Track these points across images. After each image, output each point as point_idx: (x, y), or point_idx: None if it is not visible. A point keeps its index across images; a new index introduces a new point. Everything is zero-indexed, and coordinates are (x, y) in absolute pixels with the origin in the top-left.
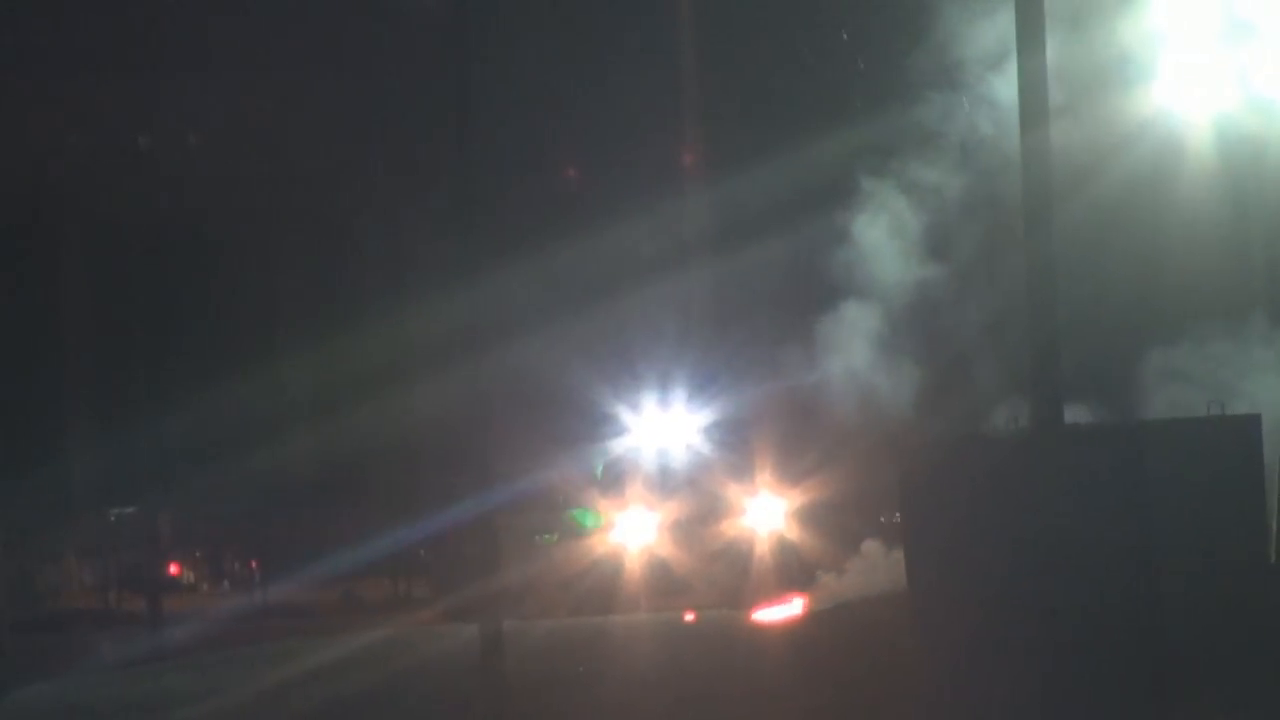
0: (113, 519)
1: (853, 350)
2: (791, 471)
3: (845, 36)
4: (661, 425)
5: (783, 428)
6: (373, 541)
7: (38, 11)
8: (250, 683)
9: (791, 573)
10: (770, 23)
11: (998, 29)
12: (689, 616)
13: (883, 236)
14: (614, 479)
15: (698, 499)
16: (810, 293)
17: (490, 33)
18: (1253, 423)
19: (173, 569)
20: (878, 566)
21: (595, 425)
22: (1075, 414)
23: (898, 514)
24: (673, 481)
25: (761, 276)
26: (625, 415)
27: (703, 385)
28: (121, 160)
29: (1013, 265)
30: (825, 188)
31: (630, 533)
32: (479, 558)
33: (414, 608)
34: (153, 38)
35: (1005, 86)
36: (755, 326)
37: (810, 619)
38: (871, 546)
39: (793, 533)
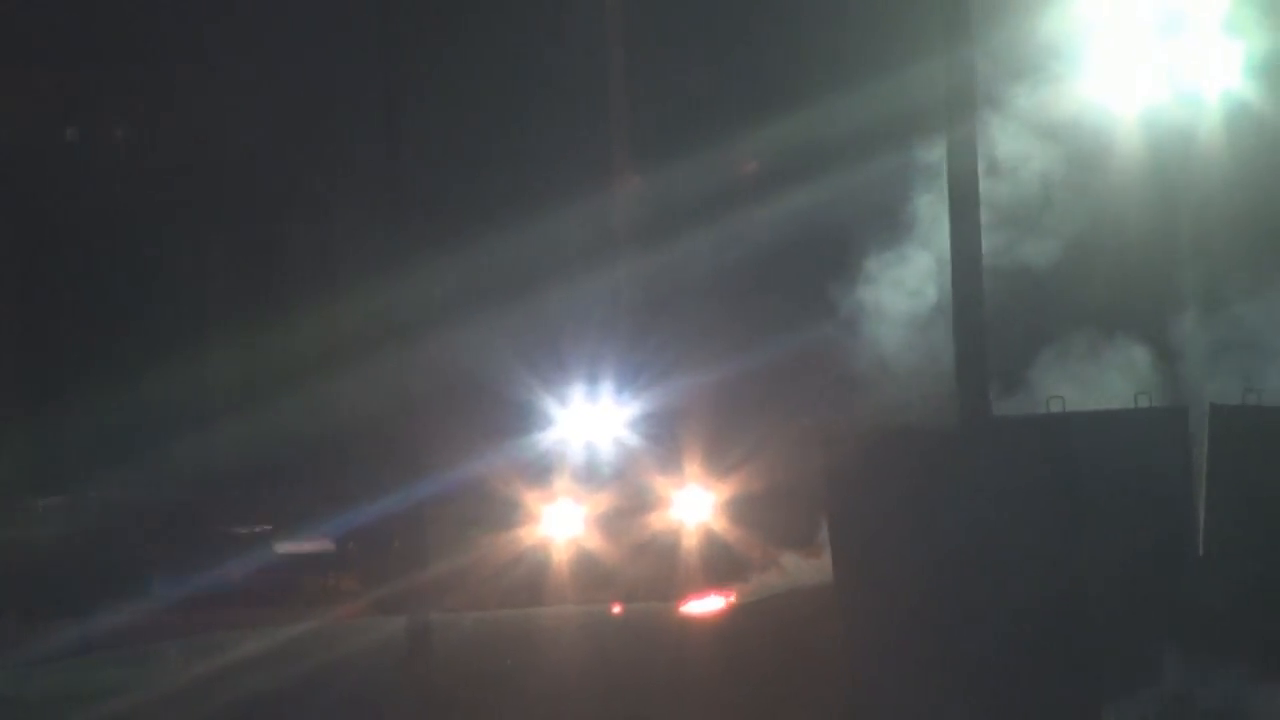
0: (40, 508)
1: (781, 340)
2: (720, 463)
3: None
4: (589, 417)
5: (711, 419)
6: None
7: None
8: (170, 676)
9: (719, 565)
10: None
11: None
12: (615, 609)
13: (810, 224)
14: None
15: (625, 491)
16: (739, 282)
17: (422, 19)
18: (1180, 414)
19: None
20: (805, 560)
21: (523, 417)
22: (1002, 407)
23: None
24: (600, 473)
25: (689, 267)
26: (553, 407)
27: (631, 377)
28: (50, 149)
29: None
30: (751, 177)
31: (557, 525)
32: (407, 550)
33: (340, 600)
34: (84, 26)
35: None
36: (683, 317)
37: (735, 612)
38: (799, 539)
39: (721, 525)
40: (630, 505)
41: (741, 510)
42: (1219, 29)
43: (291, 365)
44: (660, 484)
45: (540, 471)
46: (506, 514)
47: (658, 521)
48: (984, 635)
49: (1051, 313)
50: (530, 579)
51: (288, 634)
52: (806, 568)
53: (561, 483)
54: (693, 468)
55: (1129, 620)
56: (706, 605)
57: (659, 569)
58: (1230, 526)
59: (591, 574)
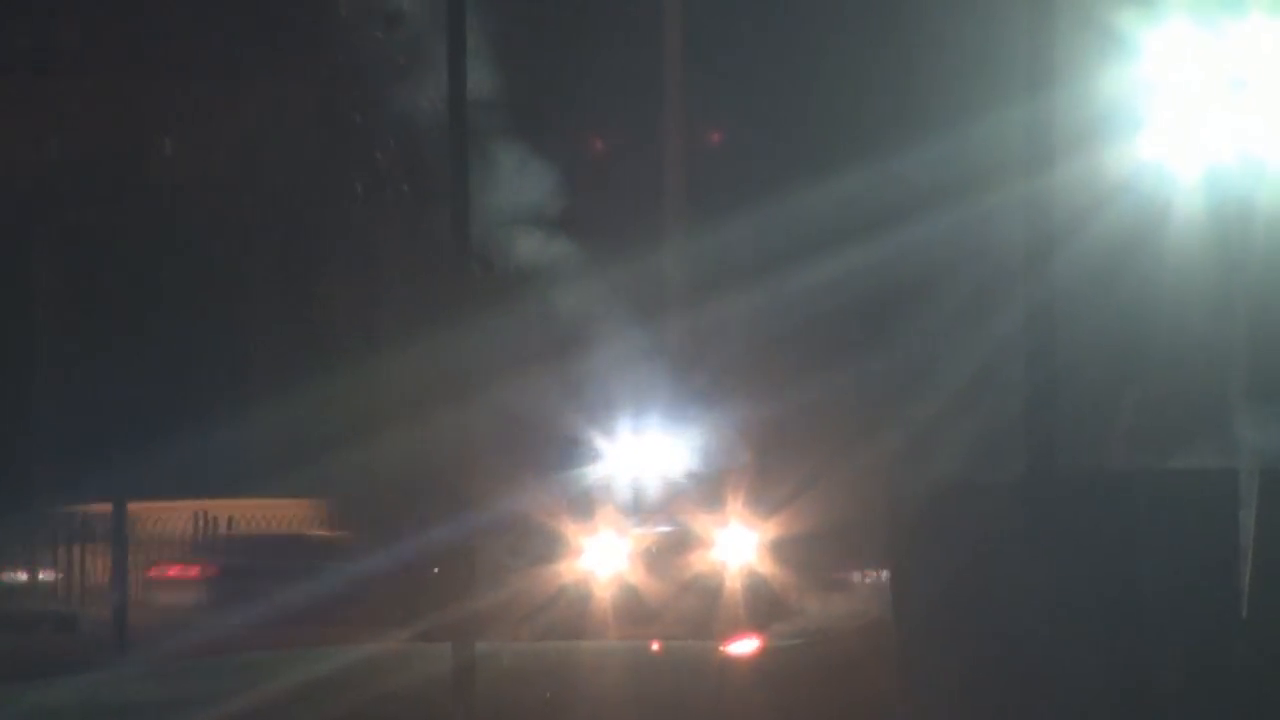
0: (80, 519)
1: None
2: (766, 503)
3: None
4: (635, 452)
5: (759, 458)
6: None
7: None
8: (222, 695)
9: (763, 605)
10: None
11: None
12: (655, 646)
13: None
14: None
15: (670, 527)
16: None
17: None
18: (1229, 476)
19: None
20: (852, 601)
21: (569, 451)
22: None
23: (878, 555)
24: (645, 509)
25: (739, 307)
26: (599, 441)
27: (679, 414)
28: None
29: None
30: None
31: (601, 559)
32: (452, 582)
33: (384, 627)
34: (126, 34)
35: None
36: (732, 356)
37: (778, 652)
38: (847, 582)
39: (765, 565)
40: (675, 542)
41: (788, 550)
42: None
43: (337, 404)
44: (705, 521)
45: (585, 506)
46: (550, 548)
47: (701, 560)
48: (1045, 697)
49: (1113, 371)
50: (572, 613)
51: (332, 659)
52: (848, 609)
53: (605, 517)
54: (738, 506)
55: (1176, 684)
56: (748, 644)
57: (702, 606)
58: (1275, 592)
59: (634, 610)
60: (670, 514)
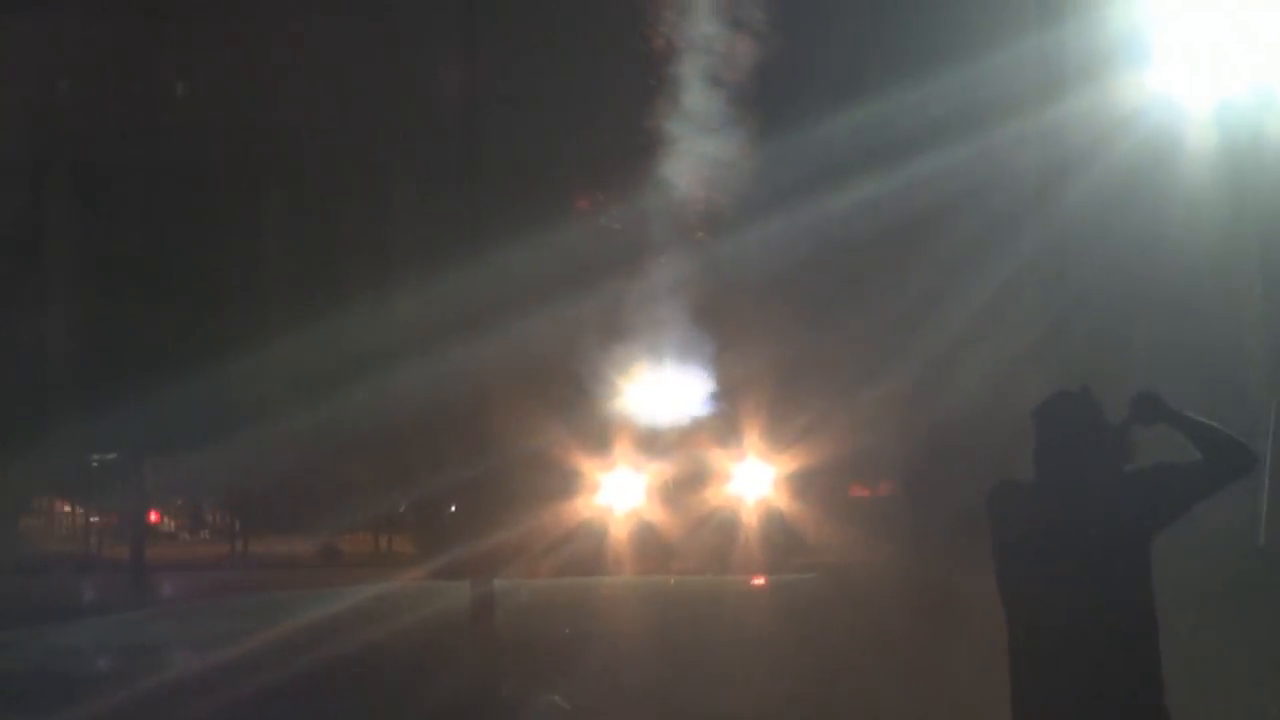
0: (95, 464)
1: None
2: (782, 437)
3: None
4: (653, 388)
5: (775, 394)
6: (357, 497)
7: None
8: (241, 634)
9: (779, 539)
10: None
11: None
12: (672, 581)
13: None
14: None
15: (686, 463)
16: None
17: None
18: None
19: (152, 516)
20: (870, 535)
21: (585, 387)
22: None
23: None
24: (662, 444)
25: (753, 245)
26: (615, 378)
27: (694, 350)
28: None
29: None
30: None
31: (617, 496)
32: (466, 518)
33: (396, 564)
34: None
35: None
36: (749, 293)
37: (799, 585)
38: (863, 515)
39: (782, 500)
40: (691, 477)
41: (804, 485)
42: None
43: (356, 343)
44: (721, 457)
45: (601, 442)
46: (566, 484)
47: (717, 495)
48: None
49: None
50: (589, 550)
51: (350, 596)
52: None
53: (621, 453)
54: (754, 440)
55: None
56: (767, 578)
57: (719, 542)
58: None
59: (650, 546)
60: (686, 449)
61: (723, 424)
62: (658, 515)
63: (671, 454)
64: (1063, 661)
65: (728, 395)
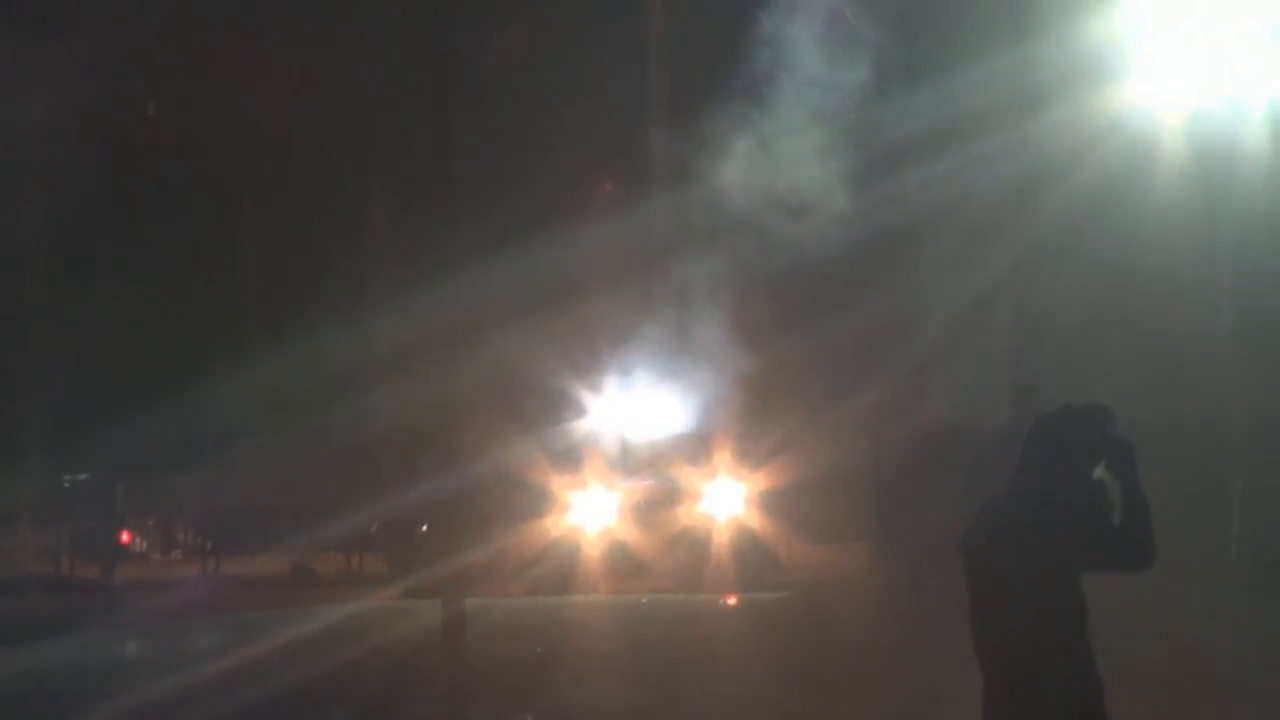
0: (66, 484)
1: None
2: (753, 456)
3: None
4: (623, 407)
5: (746, 411)
6: (328, 516)
7: None
8: (214, 653)
9: (751, 558)
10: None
11: None
12: (644, 599)
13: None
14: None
15: (658, 482)
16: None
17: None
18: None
19: (124, 536)
20: (841, 554)
21: (556, 406)
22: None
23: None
24: (633, 463)
25: (726, 262)
26: (586, 396)
27: (666, 369)
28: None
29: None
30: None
31: (588, 514)
32: (438, 537)
33: (368, 584)
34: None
35: None
36: (719, 310)
37: (771, 604)
38: (836, 533)
39: (753, 518)
40: (662, 496)
41: (776, 503)
42: None
43: (327, 357)
44: (692, 475)
45: (572, 461)
46: (538, 503)
47: (689, 514)
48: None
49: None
50: (561, 568)
51: (323, 616)
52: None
53: (593, 472)
54: (726, 459)
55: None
56: (738, 596)
57: (690, 560)
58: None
59: (622, 565)
60: (658, 469)
61: (694, 442)
62: (630, 534)
63: (643, 472)
64: (1002, 678)
65: (699, 413)
